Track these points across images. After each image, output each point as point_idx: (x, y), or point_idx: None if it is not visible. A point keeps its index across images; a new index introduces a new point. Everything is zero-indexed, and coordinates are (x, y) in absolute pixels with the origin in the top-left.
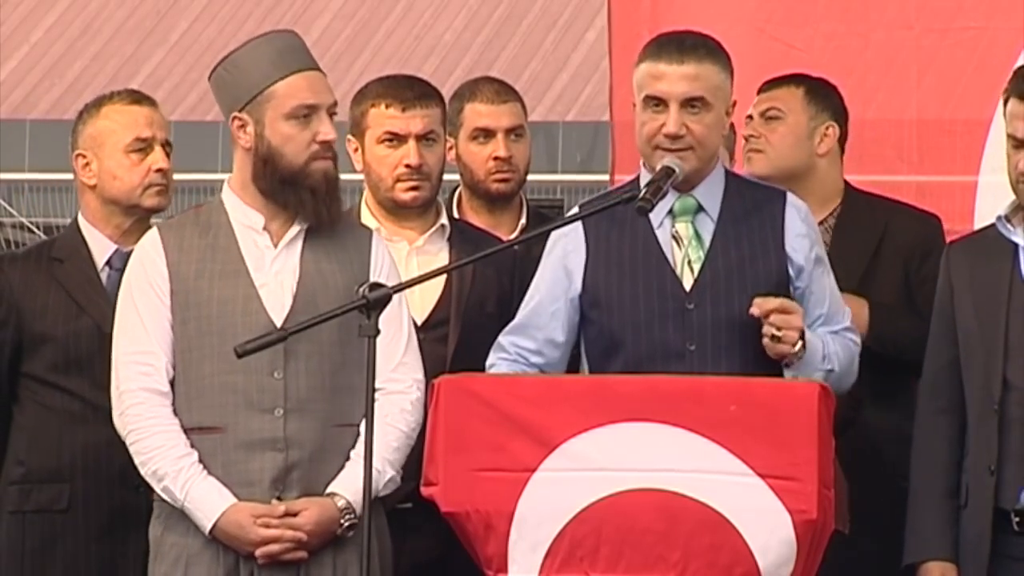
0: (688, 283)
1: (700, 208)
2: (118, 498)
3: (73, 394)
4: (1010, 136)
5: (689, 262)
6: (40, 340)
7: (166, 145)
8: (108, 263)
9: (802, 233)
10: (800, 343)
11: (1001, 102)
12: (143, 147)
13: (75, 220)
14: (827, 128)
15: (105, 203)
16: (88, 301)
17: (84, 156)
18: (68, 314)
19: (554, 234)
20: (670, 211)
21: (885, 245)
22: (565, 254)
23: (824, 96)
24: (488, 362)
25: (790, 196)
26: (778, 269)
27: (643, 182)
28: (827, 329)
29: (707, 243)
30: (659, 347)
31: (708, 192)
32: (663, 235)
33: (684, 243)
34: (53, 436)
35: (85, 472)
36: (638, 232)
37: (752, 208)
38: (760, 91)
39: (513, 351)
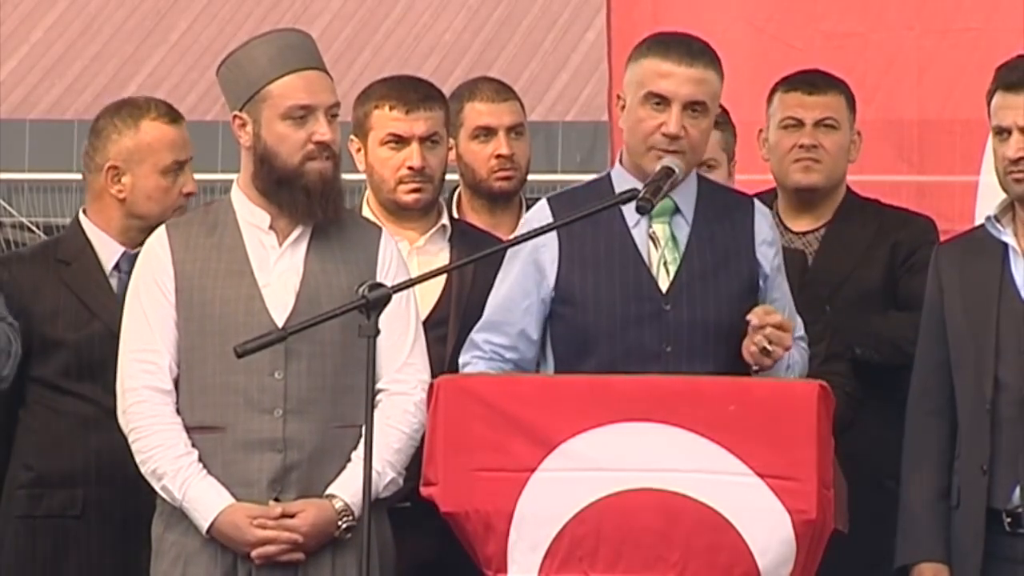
0: (664, 284)
1: (677, 209)
2: (132, 504)
3: (86, 399)
4: (996, 129)
5: (665, 263)
6: (51, 346)
7: (190, 162)
8: (116, 267)
9: (768, 240)
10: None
11: (987, 103)
12: (178, 169)
13: (76, 221)
14: (856, 135)
15: (129, 216)
16: (99, 305)
17: (117, 169)
18: (79, 319)
19: (522, 229)
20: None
21: (872, 250)
22: (535, 249)
23: (854, 102)
24: (462, 360)
25: (757, 203)
26: (749, 274)
27: (616, 181)
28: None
29: (683, 245)
30: (635, 348)
31: (684, 194)
32: (639, 235)
33: (661, 244)
34: (65, 441)
35: (99, 478)
36: (613, 231)
37: (723, 212)
38: (791, 89)
39: (488, 348)
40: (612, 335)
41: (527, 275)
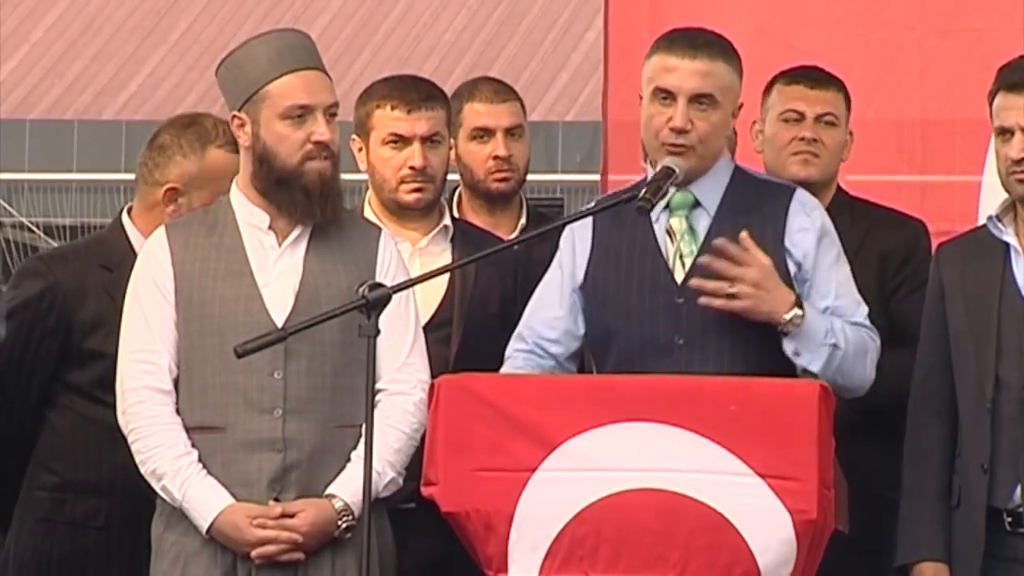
0: (680, 277)
1: (697, 203)
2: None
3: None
4: (998, 130)
5: (681, 256)
6: (89, 356)
7: None
8: None
9: (804, 227)
10: (796, 310)
11: (989, 104)
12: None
13: (120, 225)
14: (848, 134)
15: None
16: None
17: (177, 190)
18: (119, 331)
19: (567, 229)
20: (667, 205)
21: (864, 251)
22: (573, 245)
23: (850, 101)
24: (507, 353)
25: (798, 192)
26: (777, 264)
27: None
28: (842, 321)
29: (701, 237)
30: (649, 341)
31: (708, 187)
32: (659, 230)
33: (677, 237)
34: (93, 450)
35: (125, 490)
36: (637, 227)
37: (755, 204)
38: (793, 82)
39: (531, 341)
40: (629, 329)
41: (566, 270)
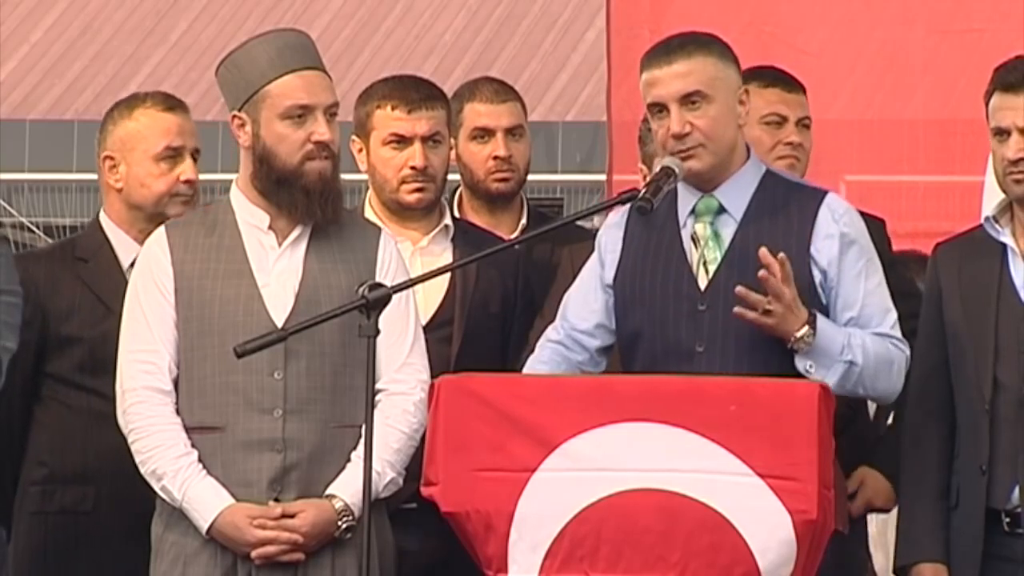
0: (703, 283)
1: (722, 208)
2: (144, 500)
3: (100, 394)
4: (995, 130)
5: (705, 263)
6: (67, 342)
7: (195, 153)
8: (133, 264)
9: (831, 234)
10: (806, 328)
11: (985, 104)
12: (173, 155)
13: (96, 219)
14: None
15: (130, 208)
16: (115, 301)
17: (112, 158)
18: (95, 316)
19: (601, 228)
20: (693, 211)
21: None
22: (604, 246)
23: None
24: (539, 341)
25: (829, 197)
26: (799, 272)
27: (679, 190)
28: (869, 332)
29: (726, 244)
30: (672, 347)
31: (733, 192)
32: (685, 235)
33: (701, 243)
34: (78, 437)
35: (112, 474)
36: (665, 232)
37: (782, 210)
38: (769, 85)
39: (564, 333)
40: (653, 333)
41: (600, 268)
